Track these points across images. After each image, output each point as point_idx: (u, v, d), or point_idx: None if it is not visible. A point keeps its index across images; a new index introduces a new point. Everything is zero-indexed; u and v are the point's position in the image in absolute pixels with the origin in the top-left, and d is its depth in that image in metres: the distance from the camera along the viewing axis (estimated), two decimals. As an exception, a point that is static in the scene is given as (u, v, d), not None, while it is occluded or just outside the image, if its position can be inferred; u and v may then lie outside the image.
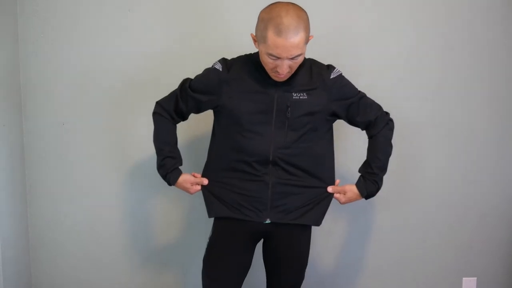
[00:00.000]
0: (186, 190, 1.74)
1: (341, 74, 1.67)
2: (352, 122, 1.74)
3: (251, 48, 1.64)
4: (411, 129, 2.20)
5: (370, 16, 2.12)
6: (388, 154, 1.77)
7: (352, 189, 1.73)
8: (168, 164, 1.69)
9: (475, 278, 2.32)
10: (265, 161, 1.60)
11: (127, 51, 2.07)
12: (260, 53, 1.53)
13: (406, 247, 2.28)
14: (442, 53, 2.17)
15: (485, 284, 2.33)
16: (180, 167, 1.74)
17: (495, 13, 2.16)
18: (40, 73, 2.07)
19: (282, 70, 1.49)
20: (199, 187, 1.72)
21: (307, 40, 1.51)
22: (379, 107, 1.76)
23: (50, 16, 2.04)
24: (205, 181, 1.69)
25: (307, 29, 1.48)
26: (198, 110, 1.72)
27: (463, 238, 2.29)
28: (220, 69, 1.62)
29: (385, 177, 2.20)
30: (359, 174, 1.78)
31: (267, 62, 1.50)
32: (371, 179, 1.73)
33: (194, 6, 2.07)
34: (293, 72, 1.55)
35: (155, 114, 1.72)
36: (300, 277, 1.78)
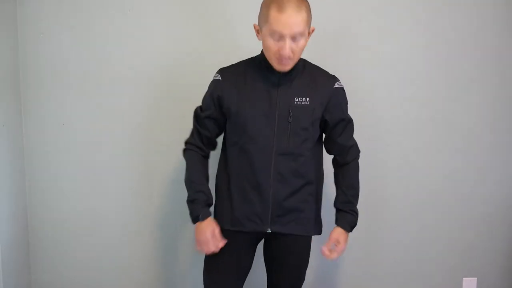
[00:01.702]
0: (204, 237, 1.60)
1: (343, 88, 1.67)
2: (329, 139, 1.71)
3: (259, 48, 1.64)
4: (411, 128, 2.20)
5: (369, 16, 2.12)
6: (358, 186, 1.73)
7: (338, 231, 1.68)
8: (201, 199, 1.62)
9: (475, 278, 2.32)
10: (267, 168, 1.59)
11: (128, 51, 2.07)
12: (263, 39, 1.53)
13: (406, 247, 2.28)
14: (442, 53, 2.17)
15: (486, 285, 2.32)
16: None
17: (495, 13, 2.16)
18: (40, 73, 2.06)
19: (285, 51, 1.48)
20: (213, 248, 1.61)
21: (309, 24, 1.52)
22: (355, 140, 1.75)
23: (50, 16, 2.04)
24: (221, 244, 1.62)
25: (308, 12, 1.50)
26: (219, 128, 1.69)
27: (463, 238, 2.29)
28: (219, 78, 1.64)
29: (383, 178, 2.22)
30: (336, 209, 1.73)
31: (270, 45, 1.50)
32: (349, 210, 1.69)
33: (200, 6, 2.07)
34: (295, 60, 1.54)
35: (184, 151, 1.71)
36: (301, 277, 1.78)
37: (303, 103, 1.58)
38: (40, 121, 2.09)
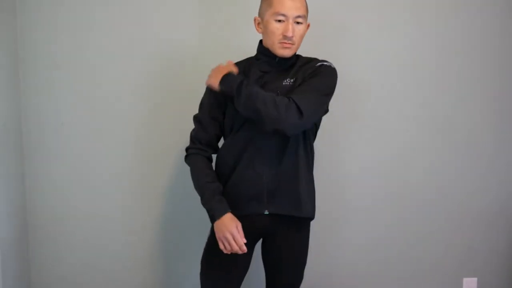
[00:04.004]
0: (223, 234, 1.55)
1: (326, 65, 1.63)
2: None
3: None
4: (410, 128, 2.20)
5: (369, 16, 2.13)
6: (259, 103, 1.50)
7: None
8: (209, 191, 1.60)
9: (476, 278, 2.32)
10: (260, 150, 1.61)
11: (128, 51, 2.08)
12: (266, 26, 1.60)
13: (406, 247, 2.28)
14: (441, 53, 2.17)
15: (486, 285, 2.32)
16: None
17: (494, 13, 2.17)
18: (40, 72, 2.07)
19: (289, 32, 1.56)
20: (238, 247, 1.55)
21: (307, 13, 1.62)
22: (310, 103, 1.53)
23: (50, 15, 2.04)
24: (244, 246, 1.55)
25: (307, 4, 1.63)
26: (220, 128, 1.71)
27: (463, 238, 2.29)
28: None
29: (384, 177, 2.22)
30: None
31: (274, 29, 1.58)
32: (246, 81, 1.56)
33: (200, 5, 2.08)
34: (296, 46, 1.61)
35: (186, 157, 1.71)
36: (299, 276, 1.77)
37: (290, 83, 1.62)
38: (40, 121, 2.10)
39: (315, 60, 1.68)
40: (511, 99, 2.23)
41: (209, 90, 1.68)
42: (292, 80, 1.62)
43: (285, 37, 1.57)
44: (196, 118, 1.72)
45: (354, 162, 2.20)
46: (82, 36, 2.06)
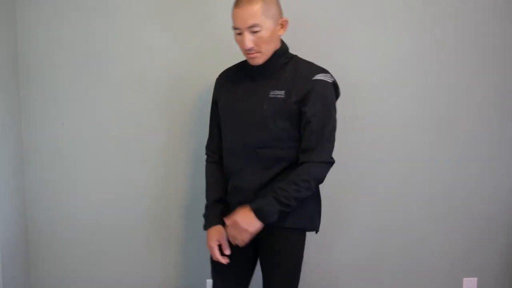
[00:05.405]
0: (208, 244, 1.68)
1: (328, 82, 1.58)
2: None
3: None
4: (410, 129, 2.20)
5: (368, 15, 2.12)
6: (300, 190, 1.53)
7: (243, 208, 1.56)
8: (207, 207, 1.73)
9: (476, 278, 2.32)
10: (247, 162, 1.61)
11: (128, 51, 2.08)
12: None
13: (406, 248, 2.28)
14: (440, 53, 2.17)
15: (486, 285, 2.32)
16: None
17: (494, 13, 2.16)
18: (39, 72, 2.07)
19: (244, 44, 1.54)
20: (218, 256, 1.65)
21: (268, 15, 1.53)
22: (325, 147, 1.57)
23: (49, 15, 2.04)
24: (225, 260, 1.64)
25: (267, 4, 1.53)
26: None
27: (464, 238, 2.29)
28: (217, 79, 1.75)
29: (384, 177, 2.22)
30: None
31: (238, 42, 1.59)
32: (274, 194, 1.53)
33: (201, 6, 2.08)
34: (265, 52, 1.56)
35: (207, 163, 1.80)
36: (295, 278, 1.74)
37: (278, 96, 1.57)
38: (39, 121, 2.10)
39: (310, 69, 1.60)
40: (510, 99, 2.23)
41: (212, 101, 1.75)
42: (282, 93, 1.56)
43: (243, 49, 1.57)
44: (209, 127, 1.79)
45: (354, 162, 2.19)
46: (82, 36, 2.06)
